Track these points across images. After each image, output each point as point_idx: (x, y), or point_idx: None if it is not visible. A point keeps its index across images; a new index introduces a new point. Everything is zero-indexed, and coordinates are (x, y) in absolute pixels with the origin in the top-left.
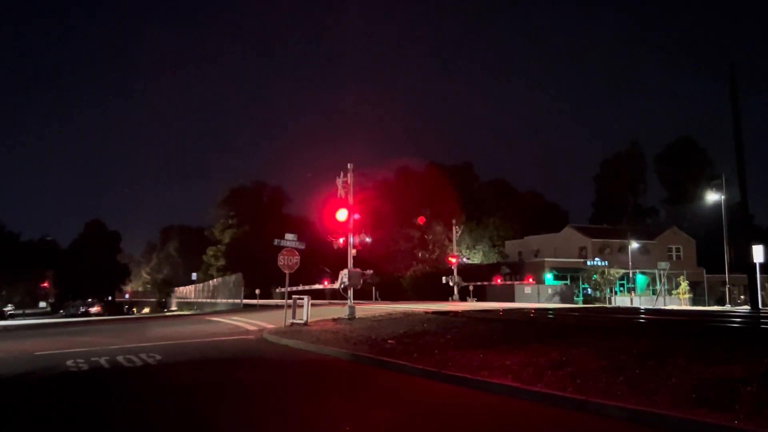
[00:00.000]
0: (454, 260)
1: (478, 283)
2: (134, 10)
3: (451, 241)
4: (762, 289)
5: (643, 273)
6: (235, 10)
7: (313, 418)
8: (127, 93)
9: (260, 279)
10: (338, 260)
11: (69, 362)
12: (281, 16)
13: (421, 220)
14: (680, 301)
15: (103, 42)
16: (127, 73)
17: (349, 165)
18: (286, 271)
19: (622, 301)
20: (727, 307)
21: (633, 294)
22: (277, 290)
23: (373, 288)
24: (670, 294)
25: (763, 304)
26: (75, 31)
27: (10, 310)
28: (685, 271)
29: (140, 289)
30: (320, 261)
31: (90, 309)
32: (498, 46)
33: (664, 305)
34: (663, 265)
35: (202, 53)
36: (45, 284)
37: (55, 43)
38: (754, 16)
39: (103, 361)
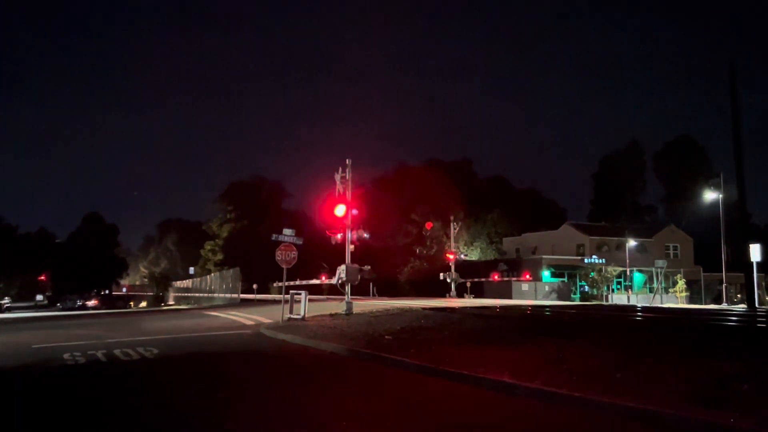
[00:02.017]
0: (452, 257)
1: (476, 280)
2: (135, 6)
3: (448, 237)
4: (758, 288)
5: (640, 271)
6: (235, 7)
7: (309, 412)
8: (127, 87)
9: (258, 274)
10: (336, 256)
11: (66, 355)
12: (282, 14)
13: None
14: (677, 299)
15: (102, 38)
16: (127, 68)
17: (347, 161)
18: (284, 266)
19: (619, 298)
20: (724, 306)
21: (630, 292)
22: (275, 284)
23: (371, 284)
24: (667, 292)
25: (760, 303)
26: (76, 27)
27: (8, 303)
28: (682, 270)
29: (137, 282)
30: (318, 256)
31: (87, 302)
32: (498, 44)
33: (661, 303)
34: (660, 263)
35: (201, 48)
36: (42, 277)
37: (57, 38)
38: (754, 15)
39: (100, 354)
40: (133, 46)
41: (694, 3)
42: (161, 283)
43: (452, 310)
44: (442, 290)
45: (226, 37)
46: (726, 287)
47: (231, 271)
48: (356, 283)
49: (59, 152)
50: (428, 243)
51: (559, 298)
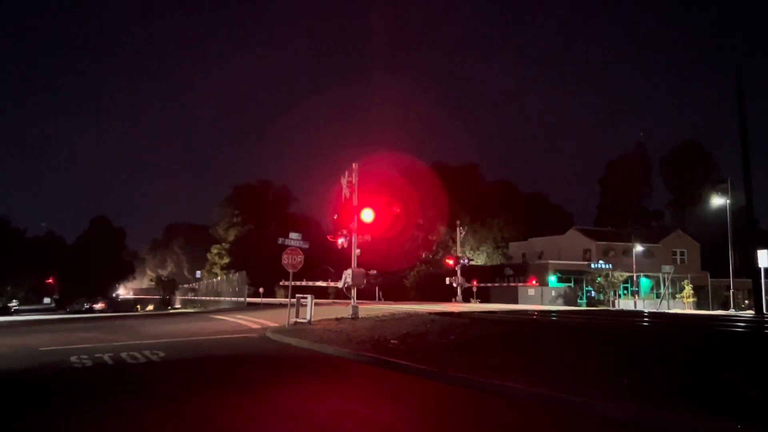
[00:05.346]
0: (452, 262)
1: (482, 285)
2: (138, 6)
3: (455, 242)
4: (766, 294)
5: (647, 276)
6: (239, 11)
7: (315, 416)
8: (134, 90)
9: (264, 277)
10: (342, 260)
11: (73, 358)
12: (287, 19)
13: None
14: (684, 305)
15: (109, 39)
16: (133, 71)
17: (353, 165)
18: (290, 270)
19: (625, 304)
20: (731, 312)
21: (637, 297)
22: (281, 283)
23: (377, 288)
24: (674, 298)
25: None
26: (82, 27)
27: (15, 306)
28: (689, 275)
29: (144, 286)
30: (324, 260)
31: (94, 305)
32: (504, 48)
33: (668, 309)
34: (667, 268)
35: (208, 51)
36: (50, 280)
37: (62, 39)
38: (761, 19)
39: (107, 357)
40: (140, 44)
41: (701, 7)
42: (168, 286)
43: (458, 314)
44: (448, 295)
45: (232, 40)
46: (733, 293)
47: (237, 274)
48: (362, 287)
49: (67, 156)
50: (434, 247)
51: (566, 304)
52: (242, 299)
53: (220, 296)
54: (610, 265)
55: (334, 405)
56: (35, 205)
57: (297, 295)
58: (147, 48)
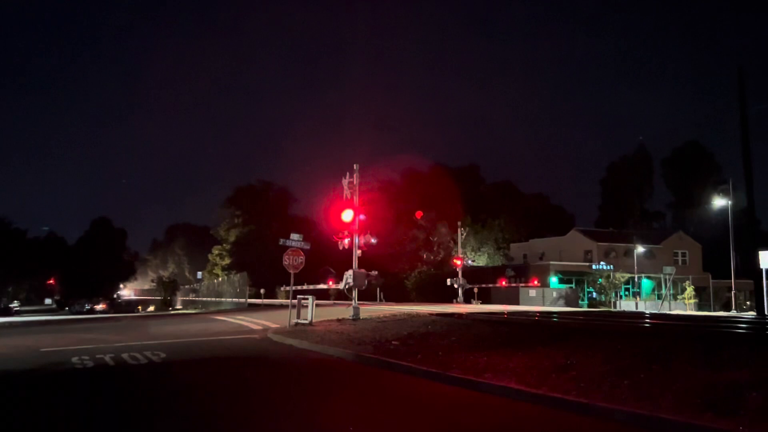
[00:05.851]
0: (459, 262)
1: (483, 286)
2: (139, 8)
3: (456, 243)
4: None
5: (648, 277)
6: (238, 11)
7: (316, 417)
8: (135, 92)
9: (265, 278)
10: (343, 261)
11: (74, 359)
12: (287, 17)
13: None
14: (685, 306)
15: (110, 42)
16: (135, 73)
17: (355, 165)
18: (291, 271)
19: (627, 305)
20: (733, 313)
21: (638, 298)
22: (282, 288)
23: (378, 289)
24: (676, 299)
25: None
26: (83, 32)
27: (17, 307)
28: (690, 276)
29: (146, 287)
30: (325, 261)
31: (96, 306)
32: (506, 49)
33: (669, 310)
34: (668, 269)
35: (208, 53)
36: (51, 281)
37: (64, 43)
38: (763, 20)
39: (108, 358)
40: (142, 51)
41: (702, 8)
42: (169, 287)
43: (459, 315)
44: (449, 296)
45: (233, 43)
46: (735, 294)
47: (239, 275)
48: (363, 288)
49: (68, 157)
50: (435, 248)
51: (567, 305)
52: (243, 300)
53: (221, 297)
54: (612, 266)
55: (336, 406)
56: (37, 206)
57: (298, 296)
58: (148, 49)
